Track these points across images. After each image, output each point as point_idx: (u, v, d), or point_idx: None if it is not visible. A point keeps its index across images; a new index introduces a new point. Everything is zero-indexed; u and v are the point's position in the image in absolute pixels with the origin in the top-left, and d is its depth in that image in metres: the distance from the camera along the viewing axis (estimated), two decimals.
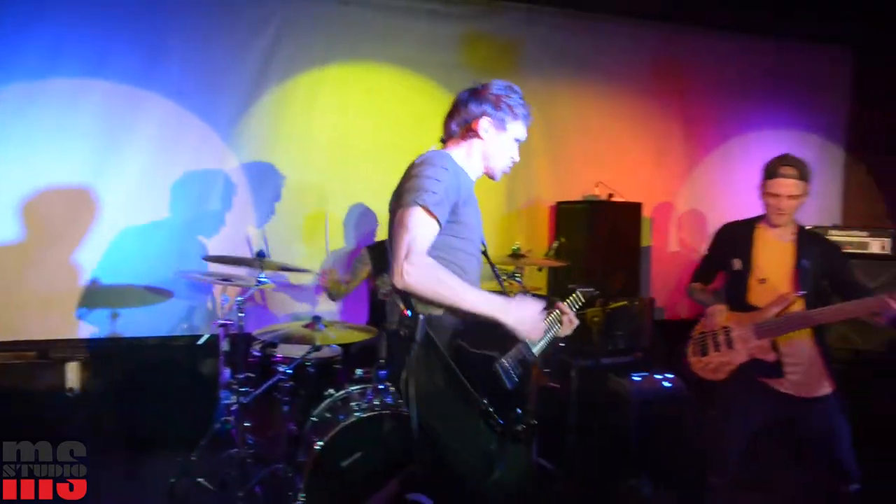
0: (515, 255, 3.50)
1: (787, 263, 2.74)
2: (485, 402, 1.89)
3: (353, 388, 3.16)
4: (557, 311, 2.30)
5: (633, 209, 4.84)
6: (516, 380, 1.99)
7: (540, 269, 4.44)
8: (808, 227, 2.92)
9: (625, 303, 3.73)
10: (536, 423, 2.25)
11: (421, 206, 1.89)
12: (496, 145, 2.20)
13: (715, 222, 5.60)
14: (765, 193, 2.78)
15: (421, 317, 1.91)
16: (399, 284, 1.83)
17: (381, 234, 4.27)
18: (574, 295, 2.54)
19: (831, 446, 2.63)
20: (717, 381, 2.78)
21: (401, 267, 1.82)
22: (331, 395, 3.16)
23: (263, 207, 4.49)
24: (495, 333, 1.92)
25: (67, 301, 4.11)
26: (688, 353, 2.89)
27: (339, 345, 3.55)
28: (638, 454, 3.80)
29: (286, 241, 4.48)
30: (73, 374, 4.09)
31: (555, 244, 4.12)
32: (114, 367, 4.10)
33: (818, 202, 5.88)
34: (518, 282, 3.50)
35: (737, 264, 2.81)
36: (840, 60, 5.93)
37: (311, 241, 4.58)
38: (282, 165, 4.53)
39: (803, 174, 2.73)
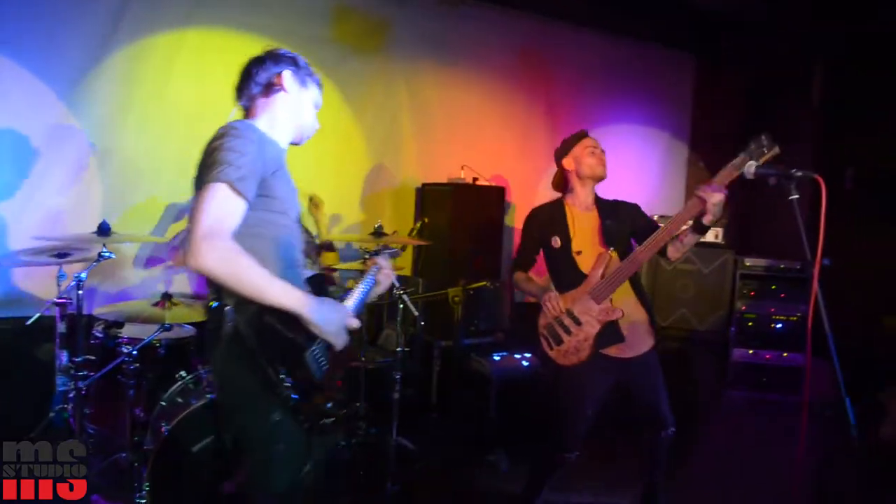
0: (377, 234, 3.48)
1: (594, 229, 2.87)
2: (294, 397, 1.79)
3: (206, 369, 3.01)
4: (375, 266, 2.20)
5: (497, 193, 4.98)
6: (325, 368, 1.88)
7: (403, 249, 4.46)
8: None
9: (485, 283, 3.83)
10: (345, 412, 2.21)
11: (225, 182, 1.69)
12: (302, 103, 2.07)
13: None
14: (581, 157, 2.89)
15: (228, 308, 1.77)
16: (193, 266, 1.61)
17: None
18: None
19: (654, 397, 2.81)
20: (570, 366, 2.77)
21: (198, 247, 1.60)
22: (182, 378, 2.99)
23: (109, 176, 4.13)
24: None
25: None
26: (544, 348, 2.86)
27: (192, 324, 3.36)
28: (496, 431, 3.95)
29: (136, 212, 4.16)
30: None
31: (417, 224, 4.16)
32: None
33: (664, 193, 6.39)
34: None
35: (556, 241, 2.87)
36: (685, 65, 6.45)
37: (162, 215, 4.29)
38: (132, 132, 4.19)
39: None
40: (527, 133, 5.63)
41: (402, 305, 3.36)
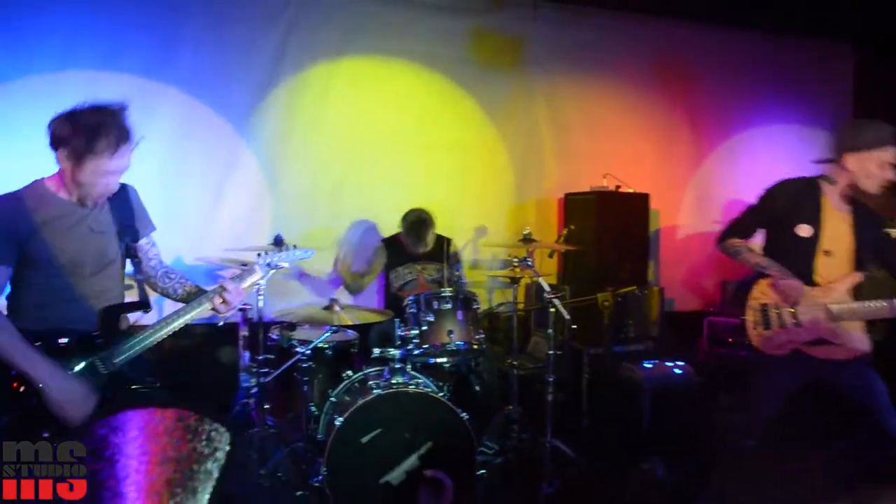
0: (526, 240, 3.55)
1: (848, 236, 2.60)
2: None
3: (370, 369, 3.22)
4: (218, 287, 2.22)
5: (641, 200, 4.90)
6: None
7: (550, 256, 4.50)
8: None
9: (633, 288, 3.78)
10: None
11: None
12: (77, 176, 2.05)
13: (722, 217, 5.70)
14: (871, 163, 2.52)
15: None
16: None
17: (396, 228, 4.31)
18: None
19: (872, 403, 2.56)
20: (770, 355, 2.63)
21: None
22: (349, 377, 3.22)
23: (277, 197, 4.55)
24: None
25: None
26: (747, 320, 2.65)
27: (355, 330, 3.60)
28: (649, 439, 3.85)
29: (301, 230, 4.53)
30: None
31: (564, 231, 4.19)
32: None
33: None
34: (529, 267, 3.54)
35: (804, 230, 2.59)
36: (842, 55, 6.02)
37: (324, 233, 4.64)
38: (295, 157, 4.60)
39: None
40: (668, 140, 5.51)
41: (553, 310, 3.40)
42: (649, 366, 4.09)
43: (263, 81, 4.52)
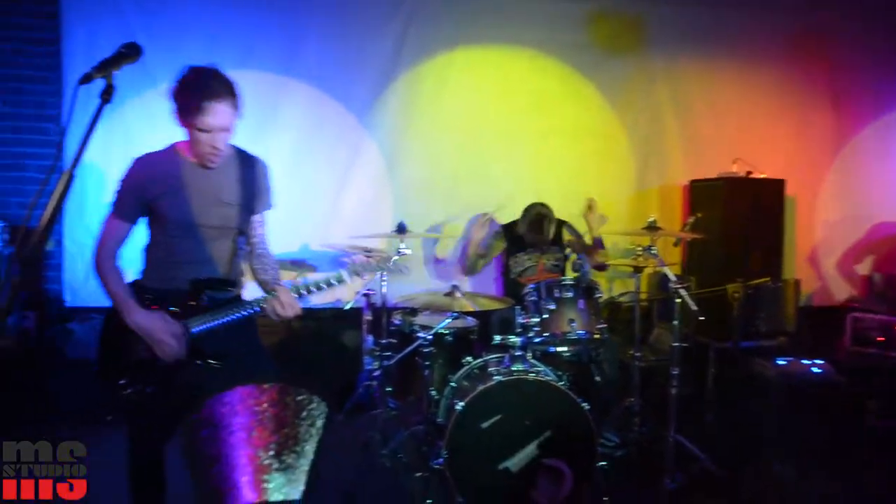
0: (651, 228, 3.43)
1: None
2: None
3: (490, 356, 3.24)
4: (272, 293, 2.26)
5: (775, 186, 4.59)
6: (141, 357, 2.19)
7: (676, 244, 4.31)
8: None
9: (766, 280, 3.55)
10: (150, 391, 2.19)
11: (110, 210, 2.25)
12: (189, 136, 2.18)
13: (870, 205, 5.23)
14: None
15: None
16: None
17: (515, 214, 4.31)
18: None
19: None
20: None
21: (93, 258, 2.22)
22: (469, 363, 3.26)
23: (397, 186, 4.67)
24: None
25: None
26: None
27: (475, 317, 3.64)
28: (782, 439, 3.63)
29: (421, 217, 4.63)
30: None
31: (691, 219, 4.00)
32: (266, 337, 4.42)
33: None
34: (654, 256, 3.42)
35: None
36: None
37: (442, 219, 4.72)
38: (414, 146, 4.70)
39: None
40: (806, 122, 5.11)
41: (678, 301, 3.27)
42: (783, 363, 3.85)
43: (384, 73, 4.65)
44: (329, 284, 2.31)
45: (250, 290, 2.44)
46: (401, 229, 3.46)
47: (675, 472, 3.20)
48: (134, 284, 2.28)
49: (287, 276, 4.40)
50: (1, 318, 1.31)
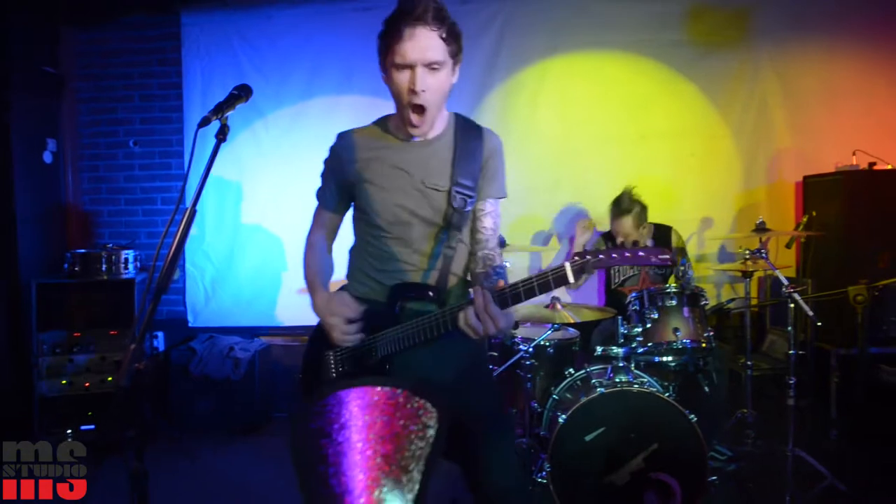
0: (760, 229, 3.27)
1: None
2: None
3: (592, 367, 3.21)
4: (467, 301, 1.67)
5: None
6: (334, 373, 1.95)
7: (788, 246, 4.08)
8: None
9: (894, 280, 3.29)
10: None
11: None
12: (391, 84, 1.81)
13: None
14: None
15: None
16: None
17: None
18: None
19: None
20: None
21: None
22: (571, 375, 3.24)
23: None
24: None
25: None
26: None
27: (577, 328, 3.61)
28: None
29: (520, 230, 4.66)
30: None
31: (804, 218, 3.78)
32: None
33: None
34: (764, 258, 3.26)
35: None
36: None
37: (542, 230, 4.72)
38: (511, 158, 4.63)
39: None
40: None
41: (792, 305, 3.10)
42: None
43: (480, 87, 4.73)
44: (544, 286, 1.61)
45: None
46: (500, 244, 3.49)
47: (794, 490, 3.02)
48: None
49: None
50: (141, 342, 1.43)
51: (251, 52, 4.84)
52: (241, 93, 1.75)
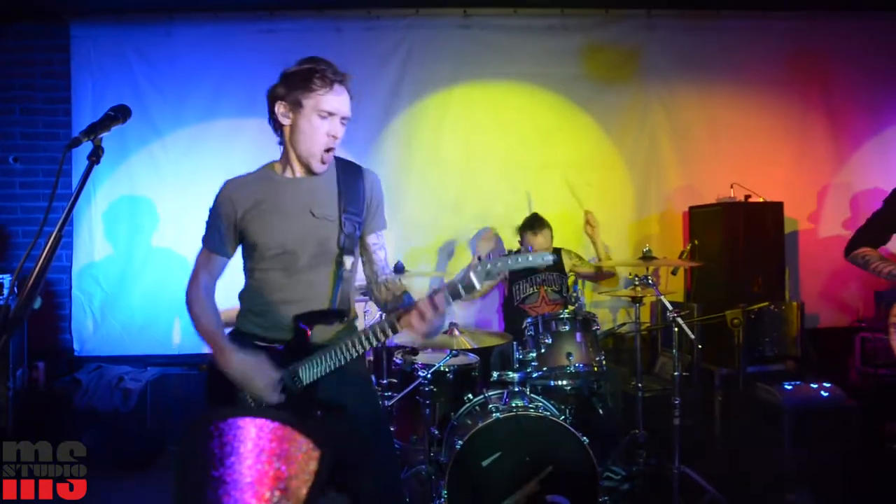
0: (646, 258, 3.45)
1: None
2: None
3: (490, 392, 3.25)
4: (402, 305, 1.93)
5: (774, 210, 4.58)
6: (251, 405, 1.96)
7: (674, 273, 4.32)
8: None
9: (767, 304, 3.54)
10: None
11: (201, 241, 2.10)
12: (300, 127, 1.97)
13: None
14: None
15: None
16: None
17: (515, 244, 4.37)
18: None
19: None
20: None
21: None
22: (469, 400, 3.27)
23: (399, 225, 4.73)
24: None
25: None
26: (891, 340, 2.52)
27: (476, 353, 3.66)
28: (793, 467, 3.57)
29: (421, 258, 4.70)
30: None
31: (687, 247, 4.02)
32: None
33: None
34: (651, 285, 3.44)
35: None
36: None
37: (445, 253, 4.78)
38: (415, 185, 4.78)
39: None
40: (803, 142, 5.11)
41: (676, 329, 3.27)
42: (790, 387, 3.79)
43: (383, 113, 4.78)
44: (456, 293, 1.79)
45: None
46: (398, 269, 3.50)
47: None
48: (233, 334, 2.06)
49: None
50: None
51: (149, 70, 4.68)
52: (118, 114, 1.70)
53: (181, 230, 4.62)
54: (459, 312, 4.58)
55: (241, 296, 2.12)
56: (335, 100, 1.97)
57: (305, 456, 1.71)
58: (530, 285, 4.17)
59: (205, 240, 2.10)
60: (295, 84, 1.96)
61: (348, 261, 2.01)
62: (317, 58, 2.01)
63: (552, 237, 4.16)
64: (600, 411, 3.53)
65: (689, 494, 3.28)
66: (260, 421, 1.77)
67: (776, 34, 5.07)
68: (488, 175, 4.84)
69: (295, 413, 1.87)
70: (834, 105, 5.12)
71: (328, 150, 1.99)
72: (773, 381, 3.90)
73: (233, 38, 4.69)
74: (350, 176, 2.08)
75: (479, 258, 1.78)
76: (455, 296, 1.78)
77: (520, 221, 4.30)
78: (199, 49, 4.69)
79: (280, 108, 1.99)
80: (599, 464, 2.94)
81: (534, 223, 4.13)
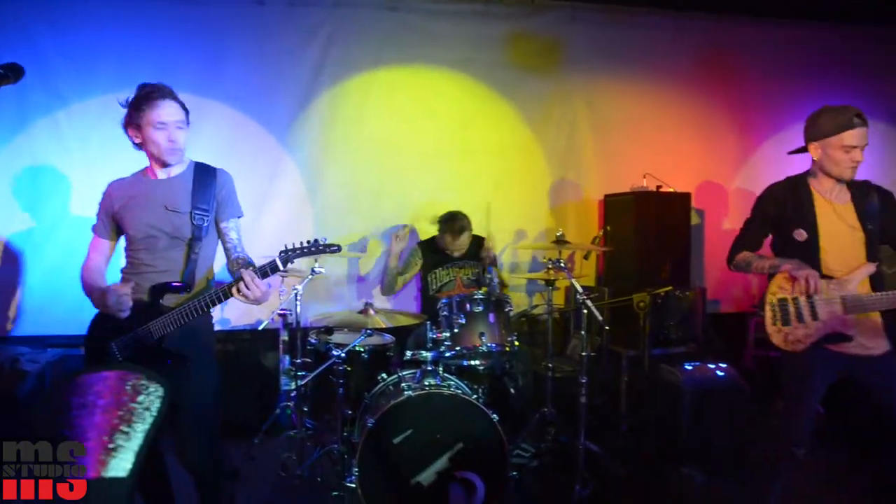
0: (559, 242, 3.55)
1: (850, 228, 2.59)
2: None
3: (405, 372, 3.29)
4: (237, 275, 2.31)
5: (682, 200, 4.81)
6: (119, 359, 2.42)
7: (586, 257, 4.47)
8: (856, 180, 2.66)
9: (670, 288, 3.72)
10: None
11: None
12: (147, 140, 2.46)
13: None
14: (833, 149, 2.55)
15: None
16: None
17: (434, 230, 4.40)
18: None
19: (891, 401, 2.52)
20: (793, 352, 2.61)
21: None
22: (383, 380, 3.30)
23: (318, 205, 4.68)
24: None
25: None
26: (766, 317, 2.62)
27: (393, 333, 3.68)
28: (690, 443, 3.78)
29: (340, 238, 4.66)
30: None
31: (600, 233, 4.16)
32: None
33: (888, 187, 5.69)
34: (563, 269, 3.54)
35: (801, 235, 2.61)
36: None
37: (364, 238, 4.75)
38: (335, 165, 4.72)
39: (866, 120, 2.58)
40: (711, 137, 5.38)
41: (586, 312, 3.39)
42: (690, 368, 4.01)
43: (304, 93, 4.68)
44: (265, 272, 2.32)
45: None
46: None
47: (586, 478, 3.31)
48: None
49: None
50: None
51: (54, 36, 4.41)
52: (9, 73, 1.63)
53: (87, 205, 4.40)
54: (378, 305, 4.58)
55: (123, 270, 2.58)
56: (164, 112, 2.43)
57: (147, 398, 1.90)
58: (446, 273, 4.22)
59: (94, 227, 2.61)
60: (134, 108, 2.44)
61: (198, 245, 2.49)
62: (146, 84, 2.47)
63: (471, 230, 4.21)
64: (511, 390, 3.63)
65: (594, 469, 3.43)
66: (112, 372, 1.97)
67: (689, 34, 5.29)
68: (410, 158, 4.84)
69: (149, 361, 2.33)
70: (738, 103, 5.41)
71: (174, 148, 2.47)
72: (676, 362, 4.11)
73: (151, 8, 4.49)
74: (204, 176, 2.56)
75: (286, 246, 2.33)
76: (264, 275, 2.29)
77: (441, 208, 4.33)
78: (109, 17, 4.45)
79: (130, 132, 2.48)
80: (509, 441, 3.03)
81: (454, 223, 4.18)
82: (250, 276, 2.26)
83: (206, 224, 2.51)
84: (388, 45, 4.79)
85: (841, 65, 5.55)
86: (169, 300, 2.46)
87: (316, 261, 3.42)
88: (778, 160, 5.45)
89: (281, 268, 2.30)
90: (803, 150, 2.74)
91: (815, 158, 2.65)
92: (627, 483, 3.44)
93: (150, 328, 2.40)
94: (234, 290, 2.28)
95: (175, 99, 2.48)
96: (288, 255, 2.31)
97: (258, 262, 2.40)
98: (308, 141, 4.68)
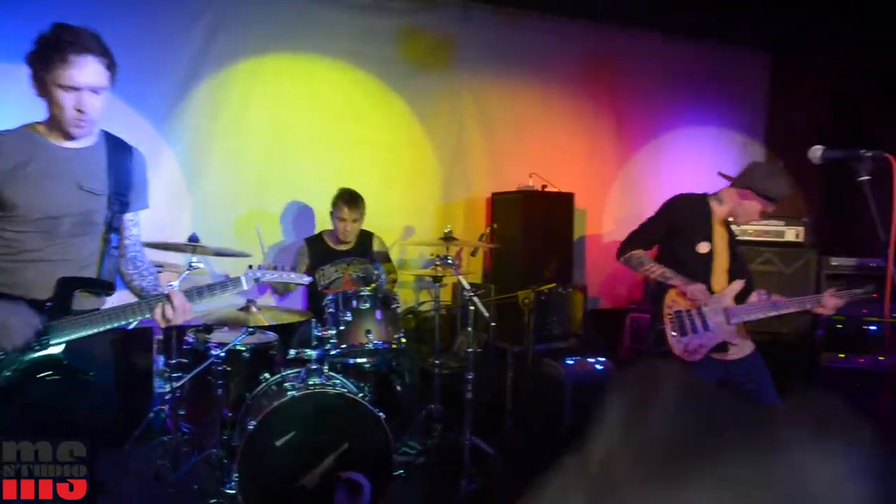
0: (447, 238, 3.57)
1: (725, 248, 2.89)
2: None
3: (288, 371, 3.18)
4: (163, 295, 2.04)
5: (566, 199, 4.99)
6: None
7: (473, 254, 4.53)
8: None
9: (554, 285, 3.85)
10: None
11: None
12: (51, 99, 1.90)
13: (645, 216, 5.81)
14: (754, 209, 2.78)
15: None
16: None
17: (320, 226, 4.29)
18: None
19: (762, 394, 2.75)
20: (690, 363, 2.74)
21: None
22: (266, 380, 3.17)
23: (197, 195, 4.44)
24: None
25: None
26: (665, 329, 2.74)
27: (277, 331, 3.55)
28: (571, 435, 3.93)
29: (221, 232, 4.44)
30: None
31: (486, 230, 4.22)
32: None
33: None
34: (450, 265, 3.56)
35: (704, 247, 2.80)
36: (759, 63, 6.26)
37: (245, 234, 4.55)
38: (217, 155, 4.50)
39: None
40: (594, 139, 5.63)
41: (472, 308, 3.43)
42: (571, 362, 4.17)
43: (185, 79, 4.41)
44: (224, 288, 2.17)
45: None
46: (192, 240, 3.28)
47: (472, 474, 3.35)
48: None
49: None
50: None
51: None
52: None
53: None
54: (261, 301, 4.41)
55: None
56: (79, 72, 1.86)
57: None
58: (335, 269, 4.12)
59: None
60: (39, 57, 1.87)
61: (115, 238, 2.08)
62: (63, 28, 1.88)
63: (363, 215, 4.11)
64: (398, 388, 3.61)
65: (479, 464, 3.48)
66: None
67: (576, 40, 5.50)
68: (297, 149, 4.69)
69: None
70: (620, 109, 5.69)
71: (80, 121, 1.92)
72: (558, 357, 4.26)
73: None
74: (120, 155, 2.10)
75: (251, 266, 2.23)
76: (223, 291, 2.14)
77: (329, 198, 4.23)
78: None
79: (33, 82, 1.92)
80: (396, 439, 3.01)
81: (350, 196, 4.05)
82: (181, 302, 1.99)
83: (125, 213, 2.10)
84: (277, 33, 4.62)
85: (708, 80, 5.97)
86: (81, 300, 1.99)
87: (194, 255, 3.23)
88: (653, 165, 5.80)
89: (244, 287, 2.18)
90: (729, 179, 2.94)
91: (732, 198, 2.83)
92: (512, 476, 3.51)
93: (48, 332, 1.92)
94: (156, 311, 1.98)
95: (98, 55, 1.90)
96: (257, 277, 2.20)
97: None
98: (188, 129, 4.42)
